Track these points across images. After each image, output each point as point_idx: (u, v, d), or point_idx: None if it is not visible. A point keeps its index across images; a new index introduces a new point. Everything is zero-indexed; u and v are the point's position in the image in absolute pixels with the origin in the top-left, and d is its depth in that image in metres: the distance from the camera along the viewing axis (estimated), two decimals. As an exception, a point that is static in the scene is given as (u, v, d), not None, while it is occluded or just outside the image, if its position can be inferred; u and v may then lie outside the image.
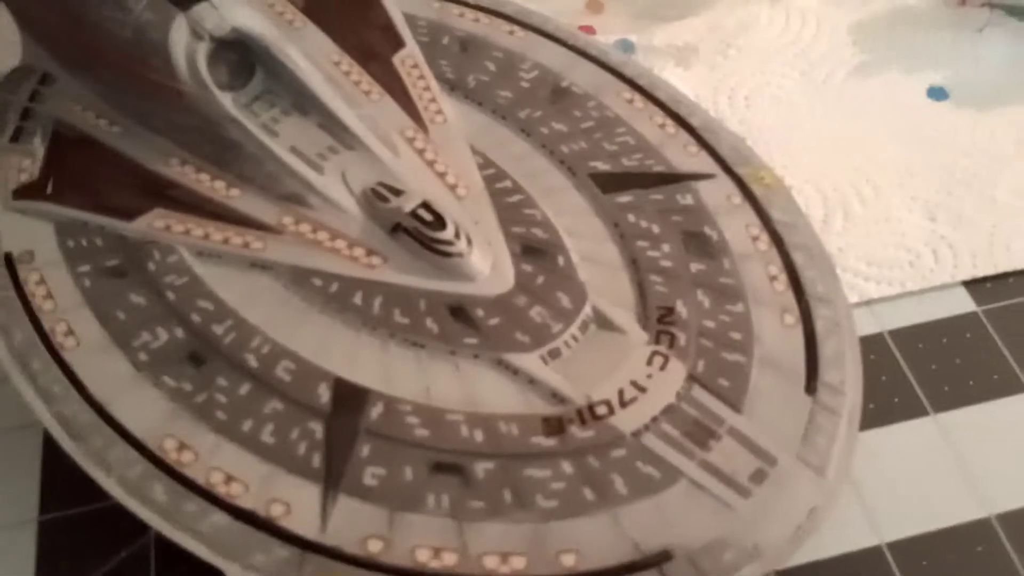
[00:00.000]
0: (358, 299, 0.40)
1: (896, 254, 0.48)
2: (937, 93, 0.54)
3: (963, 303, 0.47)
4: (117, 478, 0.36)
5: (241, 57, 0.44)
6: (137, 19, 0.43)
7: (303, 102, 0.44)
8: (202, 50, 0.42)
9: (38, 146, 0.45)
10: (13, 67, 0.49)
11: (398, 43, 0.49)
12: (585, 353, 0.39)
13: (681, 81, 0.55)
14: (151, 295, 0.40)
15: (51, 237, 0.42)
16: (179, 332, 0.39)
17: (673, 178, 0.44)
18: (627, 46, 0.57)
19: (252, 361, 0.38)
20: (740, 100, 0.54)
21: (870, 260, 0.48)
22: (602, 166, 0.45)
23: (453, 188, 0.43)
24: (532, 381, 0.38)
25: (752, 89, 0.55)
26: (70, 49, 0.46)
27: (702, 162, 0.45)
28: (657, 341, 0.39)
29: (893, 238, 0.48)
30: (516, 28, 0.51)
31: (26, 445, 0.43)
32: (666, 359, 0.38)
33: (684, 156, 0.45)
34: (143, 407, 0.38)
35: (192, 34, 0.42)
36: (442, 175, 0.44)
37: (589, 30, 0.59)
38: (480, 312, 0.39)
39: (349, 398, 0.38)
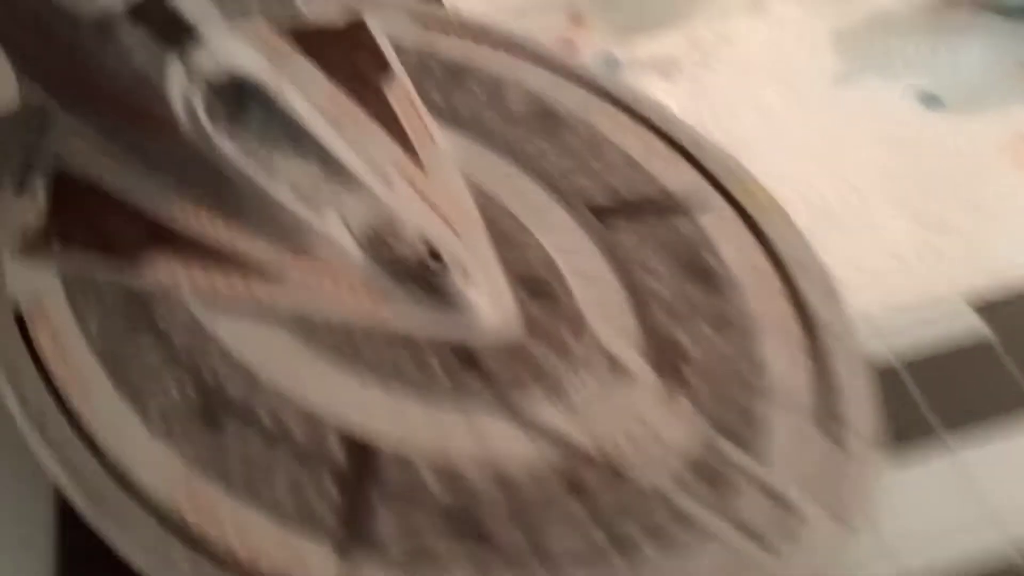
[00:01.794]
0: (363, 345, 0.40)
1: (885, 262, 0.48)
2: (920, 98, 0.55)
3: (974, 326, 0.46)
4: (135, 543, 0.36)
5: (237, 96, 0.44)
6: (133, 62, 0.43)
7: (299, 140, 0.44)
8: (197, 91, 0.43)
9: (42, 193, 0.45)
10: (12, 108, 0.49)
11: (388, 73, 0.49)
12: (594, 396, 0.38)
13: (665, 95, 0.55)
14: (161, 350, 0.40)
15: (60, 291, 0.42)
16: (190, 389, 0.39)
17: (666, 201, 0.44)
18: (610, 61, 0.58)
19: (264, 417, 0.38)
20: (724, 112, 0.55)
21: (859, 268, 0.48)
22: (594, 191, 0.45)
23: (450, 222, 0.43)
24: (543, 429, 0.37)
25: (735, 101, 0.55)
26: (68, 91, 0.46)
27: (694, 183, 0.45)
28: (666, 379, 0.38)
29: (881, 246, 0.49)
30: (501, 51, 0.51)
31: (41, 508, 0.42)
32: (677, 399, 0.38)
33: (675, 177, 0.45)
34: (159, 470, 0.37)
35: (187, 75, 0.42)
36: (438, 209, 0.44)
37: (571, 45, 0.59)
38: (486, 356, 0.39)
39: (362, 454, 0.37)
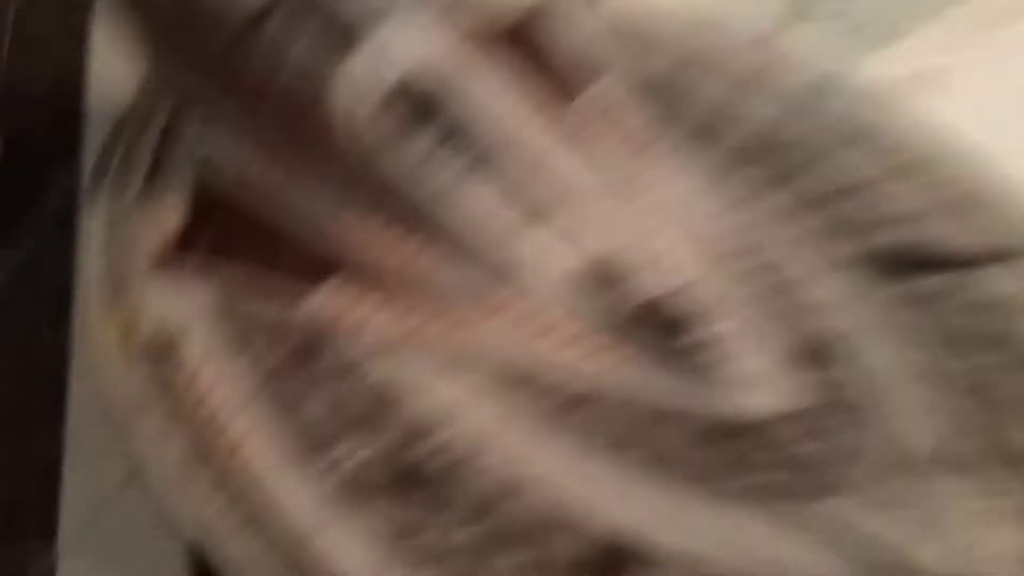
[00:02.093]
0: (589, 410, 0.33)
1: None
2: None
3: None
4: None
5: (417, 101, 0.37)
6: (298, 62, 0.36)
7: (491, 152, 0.37)
8: (373, 96, 0.36)
9: (178, 197, 0.39)
10: (135, 95, 0.43)
11: (587, 78, 0.41)
12: (897, 498, 0.31)
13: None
14: (333, 395, 0.34)
15: (204, 316, 0.36)
16: (375, 447, 0.33)
17: (963, 260, 0.36)
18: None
19: (474, 492, 0.32)
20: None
21: None
22: (870, 242, 0.37)
23: (687, 266, 0.36)
24: (841, 538, 0.30)
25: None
26: (211, 84, 0.40)
27: (995, 239, 0.37)
28: (982, 480, 0.31)
29: None
30: (721, 65, 0.43)
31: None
32: (1001, 507, 0.31)
33: (969, 231, 0.37)
34: (344, 548, 0.31)
35: (361, 78, 0.36)
36: (670, 248, 0.36)
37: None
38: (748, 438, 0.32)
39: (602, 549, 0.31)
